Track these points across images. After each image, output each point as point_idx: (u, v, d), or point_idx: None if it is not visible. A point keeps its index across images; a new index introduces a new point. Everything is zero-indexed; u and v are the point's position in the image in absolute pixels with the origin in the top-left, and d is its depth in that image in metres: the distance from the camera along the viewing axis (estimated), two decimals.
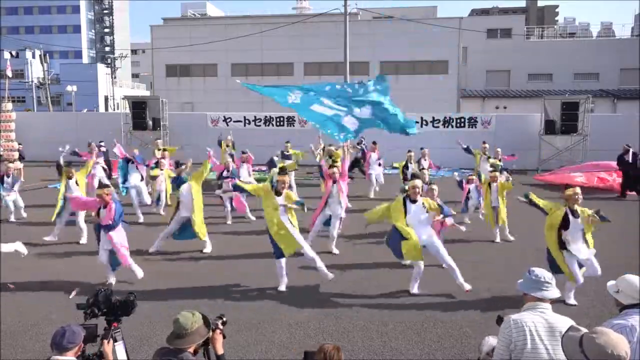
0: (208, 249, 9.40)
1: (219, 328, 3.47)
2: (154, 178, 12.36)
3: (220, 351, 3.40)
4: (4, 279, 7.66)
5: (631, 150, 15.88)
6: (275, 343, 5.74)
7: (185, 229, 9.21)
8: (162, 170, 12.25)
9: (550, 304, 3.32)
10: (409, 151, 14.10)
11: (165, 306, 6.69)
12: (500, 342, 3.26)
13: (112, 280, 7.59)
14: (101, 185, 7.79)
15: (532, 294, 3.32)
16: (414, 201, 7.17)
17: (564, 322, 3.16)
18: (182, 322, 3.21)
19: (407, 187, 7.39)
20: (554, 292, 3.34)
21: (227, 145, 14.92)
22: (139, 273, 7.72)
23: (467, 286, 7.11)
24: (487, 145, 15.02)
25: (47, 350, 3.31)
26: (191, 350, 3.24)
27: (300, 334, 5.98)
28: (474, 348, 5.53)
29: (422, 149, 15.02)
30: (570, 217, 6.89)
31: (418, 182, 7.30)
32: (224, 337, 3.49)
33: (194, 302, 6.76)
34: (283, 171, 7.92)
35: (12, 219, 12.04)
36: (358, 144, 19.17)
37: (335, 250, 9.25)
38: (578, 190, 7.01)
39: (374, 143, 16.51)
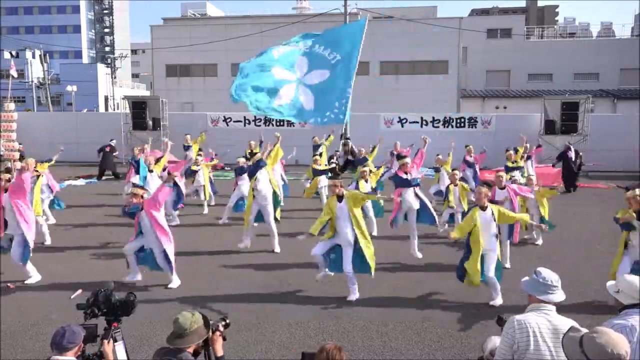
0: (277, 249, 9.43)
1: (219, 330, 3.45)
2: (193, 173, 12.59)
3: (219, 353, 3.38)
4: (4, 278, 7.67)
5: (572, 148, 17.03)
6: (275, 343, 5.73)
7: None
8: (198, 166, 12.40)
9: (555, 306, 3.29)
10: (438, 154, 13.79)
11: (165, 306, 6.70)
12: (503, 342, 3.25)
13: (139, 276, 7.59)
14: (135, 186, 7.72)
15: (538, 297, 3.28)
16: (483, 208, 6.67)
17: (567, 324, 3.13)
18: (182, 322, 3.21)
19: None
20: (559, 296, 3.30)
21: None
22: (176, 282, 7.59)
23: (499, 302, 6.77)
24: (512, 152, 14.51)
25: (47, 350, 3.31)
26: (190, 350, 3.24)
27: (300, 334, 5.98)
28: (474, 348, 5.54)
29: (466, 146, 15.04)
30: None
31: (484, 189, 6.75)
32: (224, 339, 3.47)
33: (194, 302, 6.76)
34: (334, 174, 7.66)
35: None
36: (344, 144, 19.00)
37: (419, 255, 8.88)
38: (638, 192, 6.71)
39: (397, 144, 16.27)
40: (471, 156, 14.56)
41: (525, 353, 3.13)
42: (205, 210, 12.83)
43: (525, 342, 3.14)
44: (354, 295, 7.00)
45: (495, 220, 6.67)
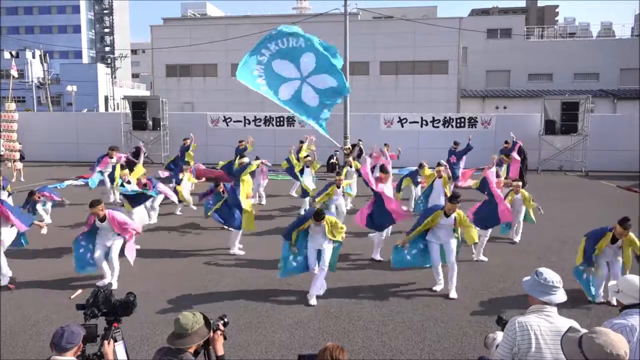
0: (236, 250, 9.33)
1: (220, 329, 3.46)
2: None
3: (220, 352, 3.40)
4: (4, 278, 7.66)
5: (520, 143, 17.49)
6: (275, 343, 5.74)
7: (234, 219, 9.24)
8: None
9: (556, 307, 3.26)
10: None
11: (165, 306, 6.69)
12: (504, 343, 3.24)
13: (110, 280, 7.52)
14: (92, 204, 7.32)
15: (539, 298, 3.24)
16: (447, 215, 7.19)
17: (569, 325, 3.10)
18: (183, 323, 3.20)
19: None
20: (560, 296, 3.24)
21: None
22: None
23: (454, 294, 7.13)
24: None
25: (47, 350, 3.32)
26: (191, 350, 3.24)
27: (300, 334, 5.98)
28: (474, 348, 5.54)
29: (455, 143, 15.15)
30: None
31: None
32: (225, 338, 3.49)
33: (194, 302, 6.76)
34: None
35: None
36: (354, 145, 19.06)
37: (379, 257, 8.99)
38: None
39: (386, 145, 16.24)
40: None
41: (527, 355, 3.11)
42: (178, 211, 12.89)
43: (526, 344, 3.12)
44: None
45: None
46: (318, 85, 9.03)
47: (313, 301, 6.85)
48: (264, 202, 14.05)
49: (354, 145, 19.02)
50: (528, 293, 3.31)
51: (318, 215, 6.79)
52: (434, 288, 7.34)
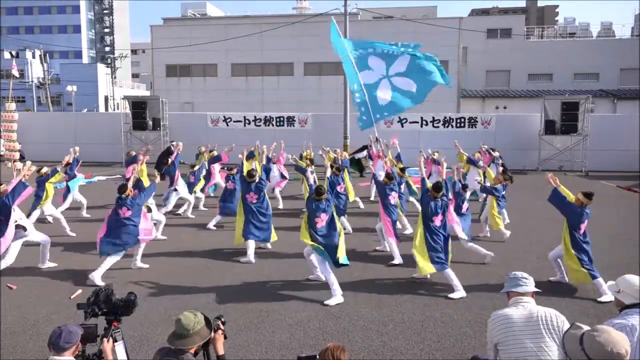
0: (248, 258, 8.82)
1: (221, 328, 3.46)
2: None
3: (221, 351, 3.40)
4: (4, 279, 7.65)
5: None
6: (275, 343, 5.73)
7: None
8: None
9: (533, 298, 3.61)
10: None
11: (165, 306, 6.69)
12: (488, 338, 3.59)
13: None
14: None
15: (513, 290, 3.66)
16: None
17: (546, 312, 3.41)
18: (184, 323, 3.19)
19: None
20: (532, 287, 3.65)
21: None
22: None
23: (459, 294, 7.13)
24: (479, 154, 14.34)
25: (46, 350, 3.31)
26: (192, 351, 3.23)
27: (300, 334, 5.98)
28: (474, 348, 5.54)
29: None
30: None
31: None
32: (225, 337, 3.49)
33: (194, 302, 6.76)
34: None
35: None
36: (365, 146, 19.13)
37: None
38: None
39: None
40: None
41: (505, 345, 3.36)
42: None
43: (502, 335, 3.39)
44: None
45: None
46: (398, 85, 10.19)
47: (337, 299, 6.86)
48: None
49: (365, 146, 19.09)
50: (505, 291, 3.75)
51: (318, 192, 7.18)
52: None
